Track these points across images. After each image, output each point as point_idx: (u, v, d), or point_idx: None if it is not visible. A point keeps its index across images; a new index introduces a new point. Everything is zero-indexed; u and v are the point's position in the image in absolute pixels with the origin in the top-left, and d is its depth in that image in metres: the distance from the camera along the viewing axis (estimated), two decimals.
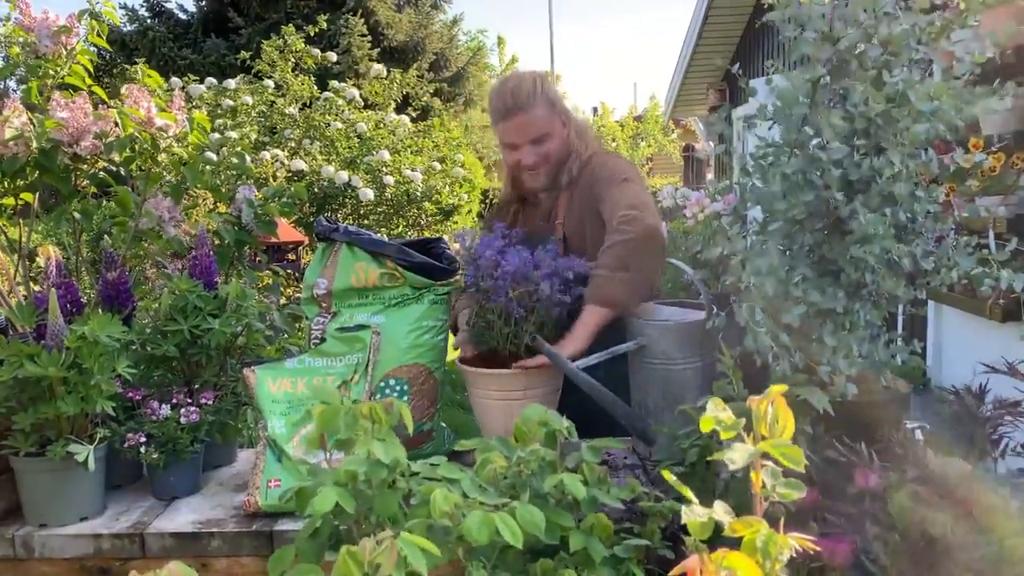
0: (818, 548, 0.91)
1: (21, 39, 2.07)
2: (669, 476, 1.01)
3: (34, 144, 1.94)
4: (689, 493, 0.97)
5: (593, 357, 1.76)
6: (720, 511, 0.92)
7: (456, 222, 7.82)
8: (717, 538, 0.94)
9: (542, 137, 2.11)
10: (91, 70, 2.20)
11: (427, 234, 7.18)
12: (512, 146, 2.13)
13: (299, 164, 6.71)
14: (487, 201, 11.69)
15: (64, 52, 2.12)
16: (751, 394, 1.36)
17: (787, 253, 1.42)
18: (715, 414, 0.96)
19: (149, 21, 14.36)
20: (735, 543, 0.91)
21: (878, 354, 1.41)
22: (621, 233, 1.86)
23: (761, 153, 1.42)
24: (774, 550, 0.86)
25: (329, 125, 7.29)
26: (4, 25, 2.13)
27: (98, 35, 2.20)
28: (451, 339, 1.97)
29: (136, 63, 8.20)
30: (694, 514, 0.92)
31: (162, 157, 2.14)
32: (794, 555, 0.89)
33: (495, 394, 1.79)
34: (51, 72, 2.10)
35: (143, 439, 1.66)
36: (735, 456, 0.91)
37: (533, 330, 1.76)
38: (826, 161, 1.31)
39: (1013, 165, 3.37)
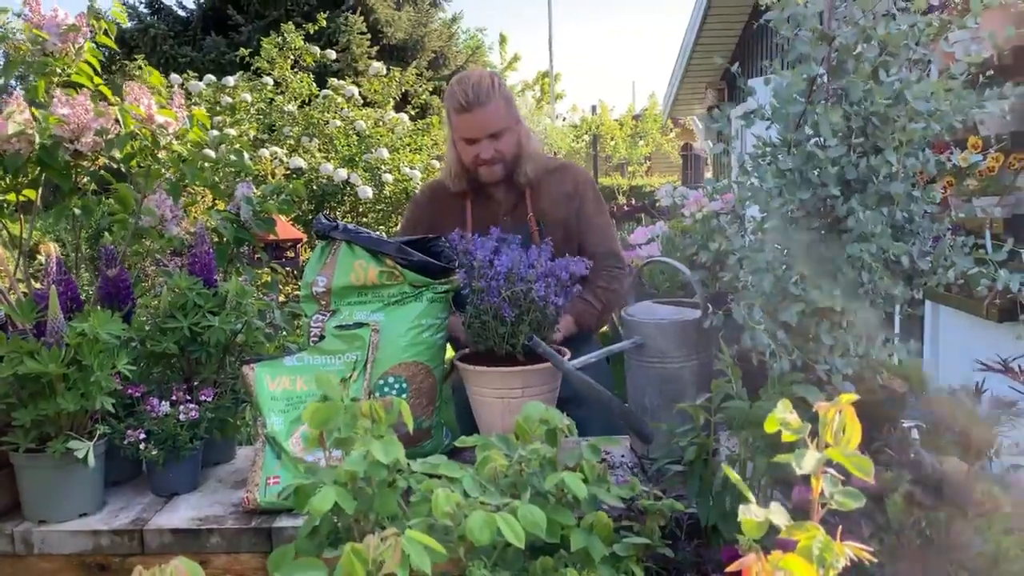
0: (875, 559, 0.91)
1: (31, 35, 2.07)
2: (731, 474, 1.00)
3: (36, 140, 1.95)
4: (748, 492, 0.96)
5: (591, 356, 1.76)
6: (777, 513, 0.91)
7: None
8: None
9: (499, 132, 2.20)
10: (98, 69, 2.21)
11: None
12: (470, 140, 2.21)
13: (298, 162, 6.71)
14: None
15: (72, 50, 2.12)
16: (749, 393, 1.38)
17: (784, 252, 1.42)
18: (782, 416, 0.95)
19: (149, 18, 14.34)
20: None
21: (875, 353, 1.41)
22: (615, 280, 2.29)
23: (759, 152, 1.42)
24: (830, 557, 0.86)
25: (328, 123, 7.29)
26: (15, 21, 2.14)
27: (106, 35, 2.21)
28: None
29: (136, 60, 8.20)
30: (750, 513, 0.92)
31: (162, 154, 2.14)
32: None
33: (493, 392, 1.79)
34: (58, 70, 2.11)
35: (143, 436, 1.66)
36: (805, 462, 0.91)
37: (528, 330, 1.76)
38: (823, 159, 1.31)
39: (1010, 166, 3.38)
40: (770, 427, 0.95)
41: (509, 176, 2.29)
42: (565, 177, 2.37)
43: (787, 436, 0.93)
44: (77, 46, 2.12)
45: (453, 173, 2.33)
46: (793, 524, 0.89)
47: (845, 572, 1.15)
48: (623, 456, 1.83)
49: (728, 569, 0.87)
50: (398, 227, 2.58)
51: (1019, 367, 1.43)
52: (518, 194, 2.32)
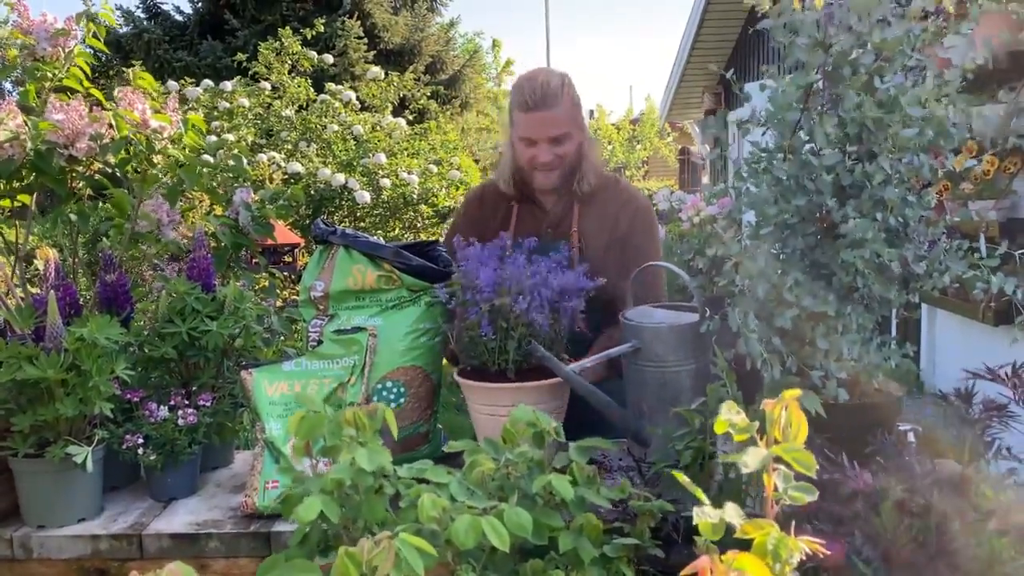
0: (828, 551, 0.91)
1: (19, 41, 2.08)
2: (681, 477, 1.01)
3: (29, 146, 1.95)
4: (701, 494, 0.97)
5: (588, 360, 1.76)
6: (732, 512, 0.92)
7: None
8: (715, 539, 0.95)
9: (561, 137, 2.09)
10: (88, 73, 2.20)
11: (423, 237, 7.19)
12: (530, 141, 2.10)
13: (296, 166, 6.71)
14: None
15: (62, 55, 2.12)
16: (745, 398, 1.38)
17: (780, 257, 1.43)
18: (728, 417, 0.96)
19: (145, 23, 14.32)
20: (738, 544, 0.91)
21: (870, 357, 1.42)
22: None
23: (755, 158, 1.43)
24: (785, 552, 0.87)
25: (326, 127, 7.30)
26: (1, 28, 2.14)
27: (95, 37, 2.21)
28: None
29: (132, 65, 8.21)
30: (705, 515, 0.92)
31: (158, 159, 2.14)
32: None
33: (484, 408, 1.76)
34: (49, 75, 2.11)
35: (141, 441, 1.66)
36: (749, 460, 0.91)
37: (515, 345, 1.72)
38: (818, 166, 1.32)
39: (1005, 170, 3.40)
40: (719, 429, 0.96)
41: (564, 185, 2.17)
42: (617, 196, 2.22)
43: (737, 436, 0.95)
44: (67, 50, 2.12)
45: (506, 174, 2.22)
46: (749, 522, 0.90)
47: (837, 573, 1.15)
48: (621, 459, 1.84)
49: (683, 573, 0.87)
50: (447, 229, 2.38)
51: (1005, 374, 1.43)
52: (566, 206, 2.19)
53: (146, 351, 1.79)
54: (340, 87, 7.77)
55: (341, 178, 6.68)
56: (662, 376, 1.72)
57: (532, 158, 2.11)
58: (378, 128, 7.69)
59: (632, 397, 1.78)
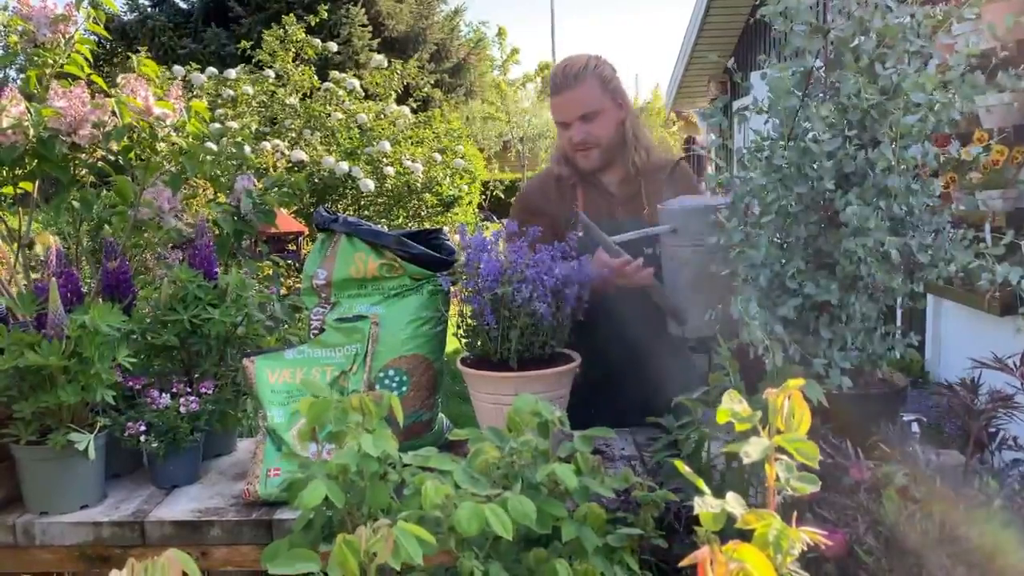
0: (829, 542, 0.91)
1: (20, 28, 2.07)
2: (683, 467, 1.01)
3: (32, 133, 1.94)
4: (703, 484, 0.96)
5: (629, 234, 1.81)
6: (733, 503, 0.91)
7: (456, 213, 7.83)
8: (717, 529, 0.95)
9: (591, 115, 2.11)
10: (90, 59, 2.20)
11: (427, 225, 7.18)
12: (563, 124, 2.15)
13: (299, 154, 6.71)
14: (487, 193, 11.67)
15: (63, 41, 2.12)
16: (747, 386, 1.38)
17: (783, 246, 1.42)
18: (730, 406, 0.95)
19: (149, 10, 14.32)
20: (740, 534, 0.91)
21: (873, 347, 1.41)
22: None
23: (756, 146, 1.42)
24: (786, 543, 0.86)
25: (330, 116, 7.29)
26: (1, 14, 2.14)
27: (96, 23, 2.20)
28: (450, 331, 1.96)
29: (136, 52, 8.20)
30: (706, 505, 0.92)
31: (161, 146, 2.14)
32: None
33: (487, 397, 1.75)
34: (50, 61, 2.10)
35: (143, 428, 1.66)
36: (751, 450, 0.91)
37: (518, 335, 1.70)
38: (819, 153, 1.31)
39: (1014, 159, 3.37)
40: (721, 418, 0.96)
41: (615, 165, 2.19)
42: (682, 180, 2.18)
43: (739, 426, 0.94)
44: (68, 36, 2.12)
45: (557, 158, 2.25)
46: (750, 512, 0.89)
47: (842, 565, 1.15)
48: (623, 449, 1.84)
49: (682, 563, 0.87)
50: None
51: (1014, 364, 1.42)
52: (635, 187, 2.20)
53: (148, 339, 1.79)
54: (344, 75, 7.76)
55: (345, 166, 6.67)
56: (696, 255, 1.74)
57: (568, 140, 2.15)
58: (382, 116, 7.68)
59: (669, 278, 1.84)
